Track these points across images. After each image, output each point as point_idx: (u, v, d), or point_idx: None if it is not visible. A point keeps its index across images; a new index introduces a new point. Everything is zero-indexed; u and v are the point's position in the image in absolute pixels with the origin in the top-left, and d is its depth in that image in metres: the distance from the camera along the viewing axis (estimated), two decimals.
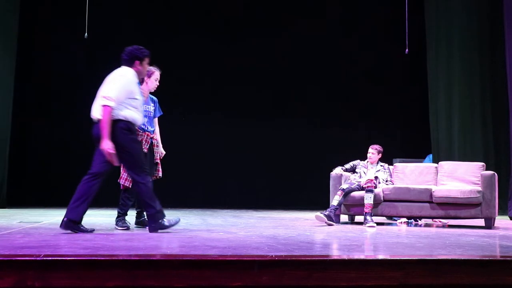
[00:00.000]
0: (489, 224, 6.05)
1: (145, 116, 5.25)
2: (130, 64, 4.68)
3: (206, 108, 10.53)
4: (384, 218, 7.24)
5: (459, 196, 6.08)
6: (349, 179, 6.64)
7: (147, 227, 4.69)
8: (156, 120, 5.66)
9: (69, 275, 2.53)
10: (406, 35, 8.11)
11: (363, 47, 11.03)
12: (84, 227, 4.48)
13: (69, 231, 4.36)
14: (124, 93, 4.49)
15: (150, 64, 4.96)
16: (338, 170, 6.63)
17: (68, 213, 4.43)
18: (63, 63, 10.32)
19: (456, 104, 9.46)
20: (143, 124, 5.20)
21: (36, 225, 5.22)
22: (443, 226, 6.46)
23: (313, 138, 10.83)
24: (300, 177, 10.66)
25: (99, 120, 4.46)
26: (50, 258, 2.60)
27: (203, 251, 3.22)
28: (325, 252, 3.48)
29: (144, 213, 4.99)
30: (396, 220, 7.15)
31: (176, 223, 4.74)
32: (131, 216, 5.32)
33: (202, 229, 5.08)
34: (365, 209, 6.15)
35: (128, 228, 5.02)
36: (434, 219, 6.96)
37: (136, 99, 4.58)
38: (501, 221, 7.37)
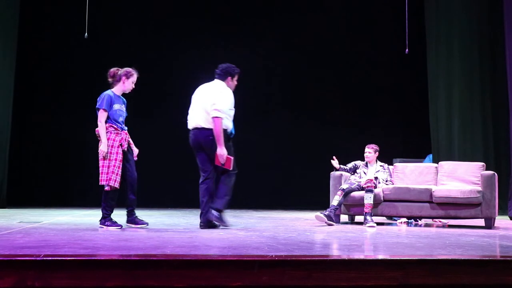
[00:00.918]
0: (489, 224, 6.05)
1: (120, 115, 5.31)
2: (223, 78, 5.39)
3: None
4: (384, 218, 7.24)
5: (459, 196, 6.08)
6: (349, 179, 6.64)
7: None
8: None
9: (69, 275, 2.53)
10: (406, 35, 8.10)
11: (363, 47, 11.03)
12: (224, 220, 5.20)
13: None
14: (228, 105, 5.15)
15: (130, 66, 5.38)
16: (335, 164, 6.61)
17: (203, 216, 5.22)
18: (63, 63, 10.32)
19: (456, 104, 9.45)
20: (121, 124, 5.27)
21: (36, 225, 5.22)
22: (443, 226, 6.47)
23: (313, 138, 10.83)
24: (300, 177, 10.66)
25: (202, 129, 5.17)
26: (50, 258, 2.59)
27: (203, 251, 3.22)
28: (325, 252, 3.48)
29: (135, 211, 5.34)
30: (396, 220, 7.15)
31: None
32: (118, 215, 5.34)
33: (202, 229, 5.08)
34: (365, 209, 6.15)
35: (121, 227, 5.07)
36: (434, 219, 6.96)
37: (232, 109, 5.27)
38: (501, 221, 7.37)
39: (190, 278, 2.59)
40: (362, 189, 6.35)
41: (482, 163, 6.66)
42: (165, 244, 3.62)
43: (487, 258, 2.98)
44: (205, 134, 5.20)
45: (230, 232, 4.80)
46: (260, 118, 10.55)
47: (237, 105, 5.45)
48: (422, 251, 3.47)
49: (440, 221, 6.98)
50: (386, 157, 6.89)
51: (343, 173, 6.68)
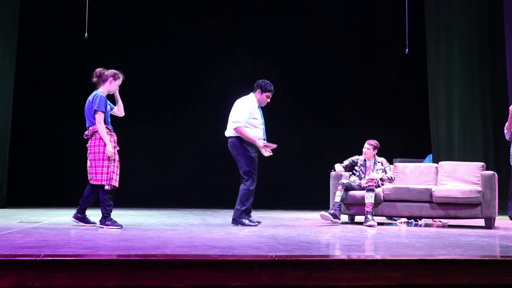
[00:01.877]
0: (489, 224, 6.05)
1: (109, 117, 5.38)
2: (254, 90, 6.01)
3: (205, 107, 10.53)
4: (384, 218, 7.24)
5: (459, 196, 6.08)
6: (349, 178, 6.64)
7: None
8: None
9: (69, 275, 2.53)
10: (406, 35, 8.10)
11: (363, 47, 11.03)
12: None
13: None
14: (245, 115, 5.79)
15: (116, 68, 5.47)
16: (338, 168, 6.62)
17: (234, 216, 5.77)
18: (63, 63, 10.31)
19: (456, 104, 9.45)
20: (111, 124, 5.33)
21: (36, 225, 5.22)
22: (443, 226, 6.46)
23: (313, 138, 10.83)
24: (300, 177, 10.66)
25: (228, 137, 5.86)
26: (50, 258, 2.59)
27: (203, 251, 3.22)
28: (325, 252, 3.48)
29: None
30: (396, 220, 7.15)
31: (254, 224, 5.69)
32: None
33: (202, 229, 5.08)
34: (366, 208, 6.16)
35: (122, 227, 5.08)
36: (434, 219, 6.96)
37: (256, 119, 5.90)
38: (501, 221, 7.37)
39: (190, 278, 2.59)
40: (362, 188, 6.36)
41: (482, 163, 6.66)
42: (165, 244, 3.62)
43: (487, 258, 2.98)
44: (229, 141, 5.90)
45: (230, 232, 4.80)
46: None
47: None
48: (422, 251, 3.47)
49: (440, 221, 6.98)
50: (386, 157, 6.88)
51: (344, 173, 6.67)
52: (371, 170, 6.61)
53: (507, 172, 8.71)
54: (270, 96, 6.04)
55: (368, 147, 6.68)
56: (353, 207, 6.40)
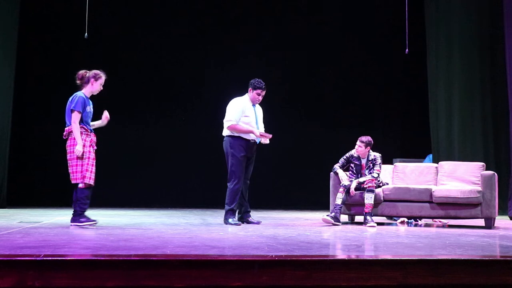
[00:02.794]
0: (489, 224, 6.05)
1: (90, 117, 5.49)
2: (248, 90, 6.15)
3: (206, 107, 10.53)
4: (384, 218, 7.24)
5: (459, 196, 6.08)
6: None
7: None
8: None
9: (69, 275, 2.53)
10: (406, 35, 8.10)
11: (363, 47, 11.02)
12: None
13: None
14: (236, 114, 5.97)
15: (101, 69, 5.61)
16: (343, 176, 6.43)
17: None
18: (63, 63, 10.31)
19: (456, 104, 9.45)
20: (90, 126, 5.45)
21: (36, 225, 5.22)
22: (443, 226, 6.46)
23: (313, 138, 10.82)
24: (300, 177, 10.65)
25: (223, 137, 6.07)
26: (50, 258, 2.59)
27: (203, 251, 3.22)
28: (325, 252, 3.48)
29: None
30: (396, 220, 7.15)
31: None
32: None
33: (202, 229, 5.08)
34: (365, 209, 6.16)
35: (96, 222, 5.20)
36: (434, 219, 6.96)
37: (248, 116, 6.05)
38: (501, 221, 7.37)
39: (190, 278, 2.59)
40: (362, 188, 6.34)
41: (482, 163, 6.66)
42: (165, 244, 3.62)
43: (487, 258, 2.98)
44: (223, 140, 6.13)
45: (230, 232, 4.80)
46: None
47: None
48: (422, 251, 3.47)
49: (440, 221, 6.98)
50: (386, 157, 6.87)
51: (345, 177, 6.63)
52: (365, 169, 6.51)
53: (507, 172, 8.72)
54: (262, 94, 6.17)
55: (360, 144, 6.47)
56: (353, 207, 6.39)
